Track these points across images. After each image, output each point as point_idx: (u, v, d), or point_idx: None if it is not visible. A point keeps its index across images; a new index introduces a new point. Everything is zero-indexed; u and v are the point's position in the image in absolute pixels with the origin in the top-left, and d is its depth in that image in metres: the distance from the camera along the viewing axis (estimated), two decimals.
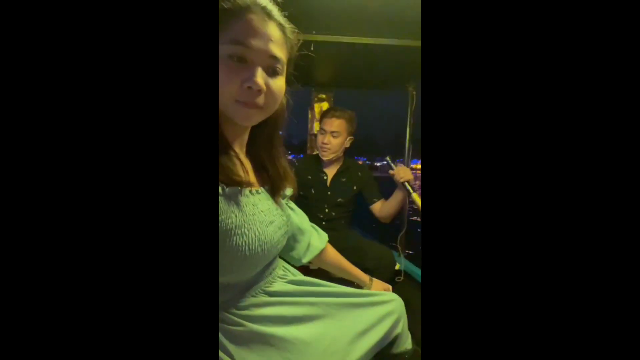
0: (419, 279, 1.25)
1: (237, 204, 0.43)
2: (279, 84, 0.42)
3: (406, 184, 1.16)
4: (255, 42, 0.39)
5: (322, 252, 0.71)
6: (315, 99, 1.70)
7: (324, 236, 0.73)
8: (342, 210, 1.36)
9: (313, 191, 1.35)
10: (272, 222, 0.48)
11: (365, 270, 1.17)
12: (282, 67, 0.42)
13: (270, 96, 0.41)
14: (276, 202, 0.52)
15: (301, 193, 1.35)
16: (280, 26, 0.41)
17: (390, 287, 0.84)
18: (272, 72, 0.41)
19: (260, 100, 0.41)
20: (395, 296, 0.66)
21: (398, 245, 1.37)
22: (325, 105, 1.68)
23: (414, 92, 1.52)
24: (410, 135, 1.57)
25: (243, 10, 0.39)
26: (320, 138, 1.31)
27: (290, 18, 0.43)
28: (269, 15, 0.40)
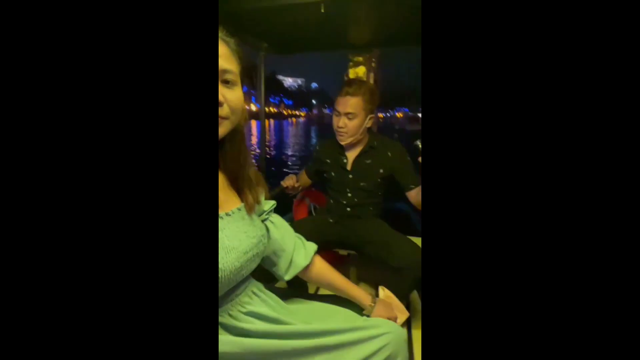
0: None
1: None
2: (236, 94, 0.45)
3: None
4: None
5: (309, 268, 0.64)
6: (350, 63, 1.46)
7: (311, 251, 0.65)
8: (368, 196, 1.18)
9: (333, 174, 1.20)
10: (234, 248, 0.47)
11: (392, 269, 1.00)
12: (236, 78, 0.45)
13: (231, 106, 0.44)
14: (249, 215, 0.53)
15: (325, 177, 1.24)
16: (223, 41, 0.45)
17: (399, 314, 0.66)
18: (226, 84, 0.44)
19: (223, 111, 0.44)
20: (391, 327, 0.54)
21: None
22: (361, 70, 1.44)
23: None
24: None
25: None
26: (335, 121, 1.12)
27: None
28: None
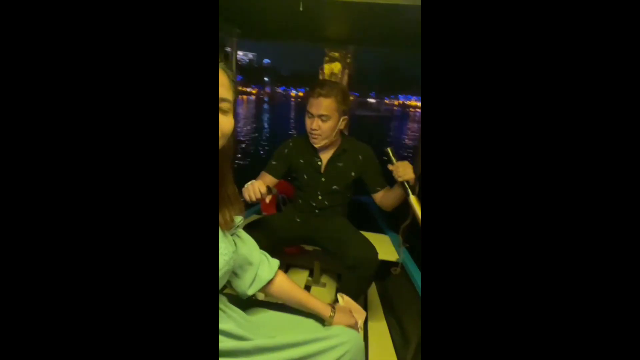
0: (415, 281, 1.17)
1: None
2: (229, 121, 0.49)
3: (405, 184, 0.96)
4: None
5: (271, 283, 0.66)
6: (326, 58, 1.43)
7: (274, 266, 0.67)
8: (338, 198, 1.20)
9: (305, 177, 1.18)
10: None
11: (346, 269, 1.05)
12: (231, 106, 0.49)
13: (222, 132, 0.48)
14: (222, 232, 0.54)
15: (293, 175, 1.21)
16: (225, 72, 0.48)
17: (358, 316, 0.70)
18: (222, 111, 0.47)
19: None
20: (349, 336, 0.59)
21: (400, 236, 1.27)
22: (337, 67, 1.42)
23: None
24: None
25: None
26: (308, 123, 1.08)
27: None
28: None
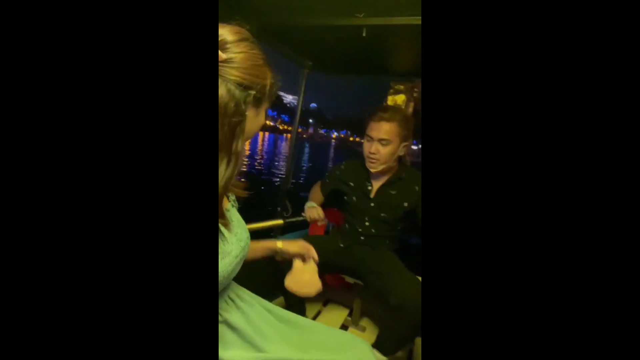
0: None
1: None
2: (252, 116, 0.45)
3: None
4: None
5: None
6: (391, 90, 1.43)
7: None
8: (386, 228, 1.11)
9: (354, 199, 1.14)
10: (229, 253, 0.46)
11: (391, 307, 0.93)
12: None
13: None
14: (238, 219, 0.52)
15: (344, 198, 1.17)
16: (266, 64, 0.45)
17: (307, 246, 0.69)
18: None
19: None
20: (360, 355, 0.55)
21: None
22: (400, 98, 1.41)
23: None
24: None
25: None
26: (366, 146, 1.06)
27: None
28: None
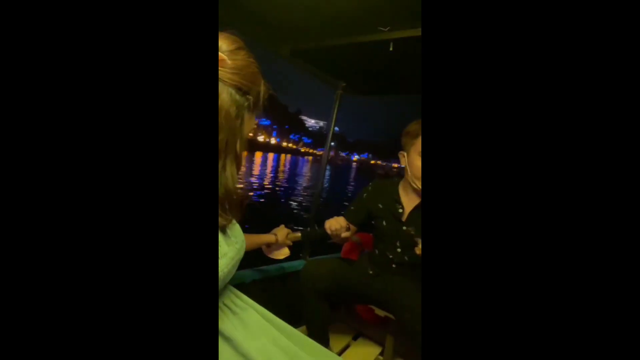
0: None
1: None
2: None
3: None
4: None
5: None
6: None
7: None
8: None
9: (384, 223, 1.03)
10: (225, 254, 0.44)
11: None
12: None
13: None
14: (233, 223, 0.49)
15: (372, 223, 1.08)
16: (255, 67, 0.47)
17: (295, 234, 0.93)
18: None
19: None
20: None
21: None
22: None
23: None
24: None
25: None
26: (416, 162, 0.96)
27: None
28: None
